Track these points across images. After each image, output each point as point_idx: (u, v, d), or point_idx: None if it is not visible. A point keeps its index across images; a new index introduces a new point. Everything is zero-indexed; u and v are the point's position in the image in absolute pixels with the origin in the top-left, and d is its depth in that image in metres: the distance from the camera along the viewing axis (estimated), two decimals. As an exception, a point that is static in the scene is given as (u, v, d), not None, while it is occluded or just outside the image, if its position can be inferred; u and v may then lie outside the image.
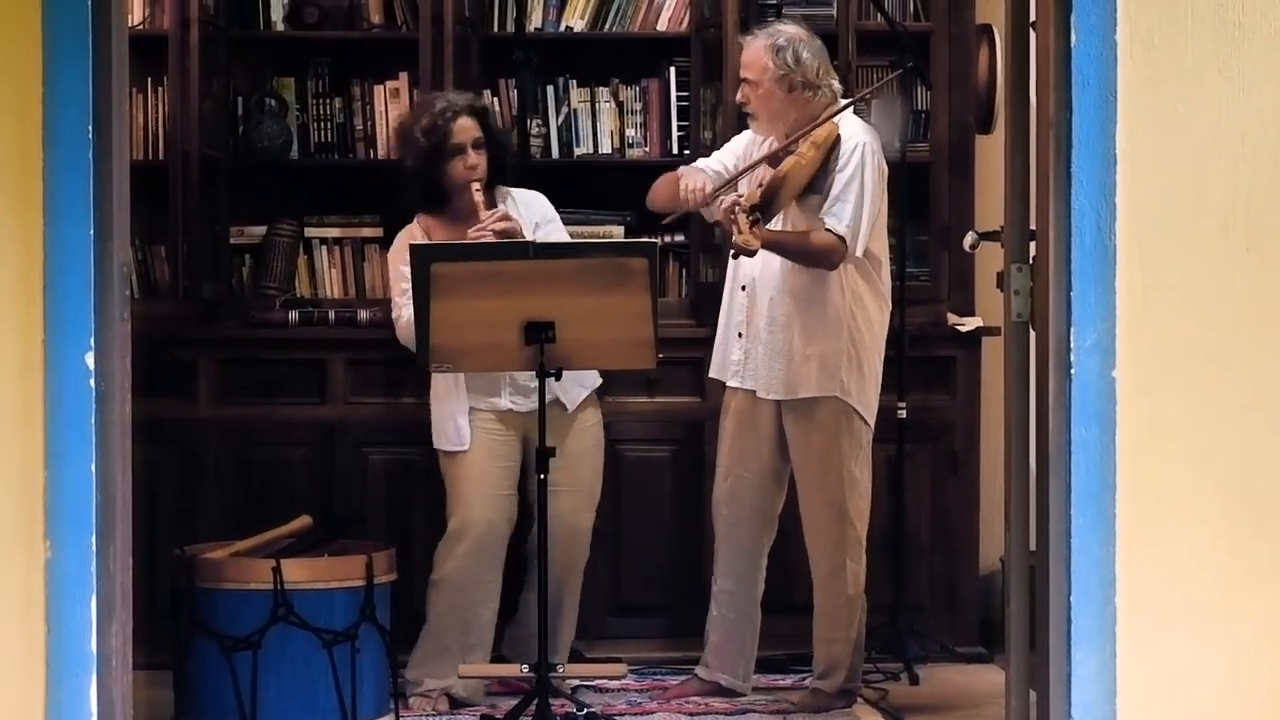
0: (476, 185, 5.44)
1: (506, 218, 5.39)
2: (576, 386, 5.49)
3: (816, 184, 5.26)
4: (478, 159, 5.48)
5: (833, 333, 5.33)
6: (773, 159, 5.34)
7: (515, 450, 5.50)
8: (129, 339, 3.80)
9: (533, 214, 5.57)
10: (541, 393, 5.00)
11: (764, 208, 5.13)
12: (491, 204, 5.46)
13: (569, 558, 5.53)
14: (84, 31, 3.68)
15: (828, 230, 5.25)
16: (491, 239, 5.29)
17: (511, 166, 5.68)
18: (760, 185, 5.18)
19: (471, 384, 5.46)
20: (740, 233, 5.04)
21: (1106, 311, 3.73)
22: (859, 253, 5.28)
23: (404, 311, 5.35)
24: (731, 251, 5.21)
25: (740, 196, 5.16)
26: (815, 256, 5.28)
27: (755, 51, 5.39)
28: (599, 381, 5.62)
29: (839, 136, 5.26)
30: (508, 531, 5.50)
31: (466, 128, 5.49)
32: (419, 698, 5.41)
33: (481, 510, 5.43)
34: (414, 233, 5.54)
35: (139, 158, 6.17)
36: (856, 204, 5.25)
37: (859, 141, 5.29)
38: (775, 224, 5.27)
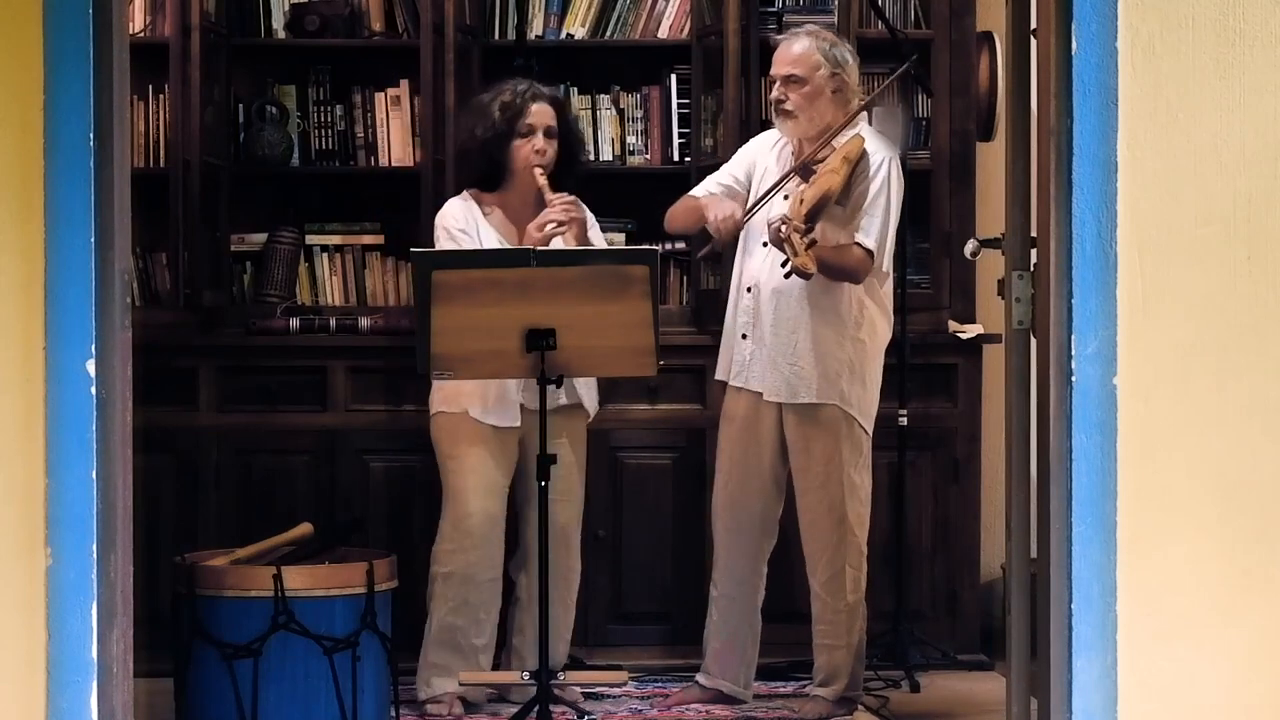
0: (540, 171, 5.41)
1: (576, 205, 5.37)
2: (592, 389, 5.51)
3: (841, 196, 5.27)
4: (546, 145, 5.45)
5: (837, 341, 5.33)
6: (803, 171, 5.33)
7: (514, 452, 5.48)
8: (130, 346, 3.80)
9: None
10: (543, 399, 4.99)
11: (807, 227, 5.11)
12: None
13: (564, 565, 5.51)
14: (85, 40, 3.67)
15: (857, 244, 5.26)
16: (559, 221, 5.28)
17: (580, 175, 5.65)
18: (801, 202, 5.15)
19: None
20: (797, 255, 5.02)
21: (1108, 319, 3.73)
22: (885, 268, 5.30)
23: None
24: (784, 273, 5.15)
25: (787, 217, 5.12)
26: (849, 272, 5.29)
27: (804, 49, 5.37)
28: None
29: (866, 150, 5.27)
30: (503, 528, 5.49)
31: (543, 113, 5.46)
32: (433, 703, 5.40)
33: (482, 502, 5.42)
34: (464, 203, 5.49)
35: (140, 165, 6.17)
36: (884, 219, 5.27)
37: (886, 156, 5.32)
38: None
